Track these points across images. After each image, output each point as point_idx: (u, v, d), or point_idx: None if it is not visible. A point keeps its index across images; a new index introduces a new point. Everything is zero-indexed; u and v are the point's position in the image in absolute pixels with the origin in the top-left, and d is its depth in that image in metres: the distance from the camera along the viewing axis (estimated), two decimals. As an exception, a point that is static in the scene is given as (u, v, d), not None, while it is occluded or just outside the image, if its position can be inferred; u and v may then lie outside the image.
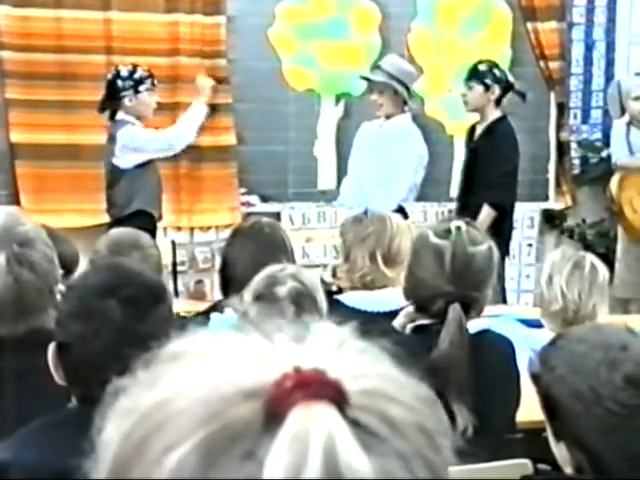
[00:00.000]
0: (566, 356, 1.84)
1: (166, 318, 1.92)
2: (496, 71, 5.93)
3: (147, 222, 5.34)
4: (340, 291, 3.88)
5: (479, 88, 5.87)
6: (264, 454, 0.57)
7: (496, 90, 5.85)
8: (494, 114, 5.88)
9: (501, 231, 5.45)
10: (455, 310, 2.54)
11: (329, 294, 3.86)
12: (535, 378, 1.88)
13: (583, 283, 3.43)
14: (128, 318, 1.85)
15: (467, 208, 5.68)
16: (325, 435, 0.57)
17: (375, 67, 6.07)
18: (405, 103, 5.89)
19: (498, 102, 5.89)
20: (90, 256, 3.49)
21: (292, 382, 0.59)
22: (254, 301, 2.78)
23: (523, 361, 3.03)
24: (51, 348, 1.91)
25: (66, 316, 1.92)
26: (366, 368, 0.63)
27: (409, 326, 2.67)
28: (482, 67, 5.95)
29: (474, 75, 5.92)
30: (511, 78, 6.00)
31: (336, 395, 0.59)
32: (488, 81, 5.86)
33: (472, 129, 6.06)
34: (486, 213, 5.64)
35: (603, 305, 3.48)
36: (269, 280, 2.79)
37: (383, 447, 0.60)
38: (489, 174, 5.74)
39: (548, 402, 1.84)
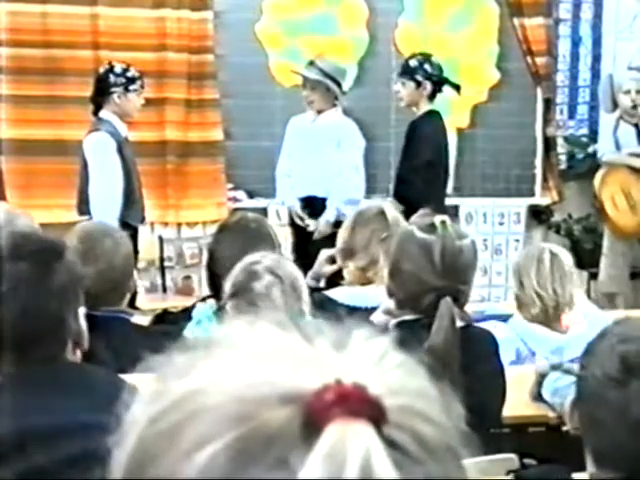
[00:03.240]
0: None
1: (71, 272, 1.98)
2: (427, 66, 5.80)
3: None
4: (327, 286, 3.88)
5: (411, 84, 5.78)
6: (298, 465, 0.56)
7: (427, 86, 5.75)
8: (424, 109, 5.80)
9: None
10: (447, 304, 2.52)
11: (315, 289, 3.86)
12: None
13: (553, 276, 3.48)
14: (38, 274, 1.92)
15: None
16: (362, 454, 0.56)
17: (309, 63, 6.09)
18: (336, 98, 5.98)
19: (432, 96, 5.79)
20: None
21: (333, 395, 0.58)
22: (232, 297, 2.78)
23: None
24: None
25: None
26: (403, 383, 0.63)
27: (392, 322, 2.65)
28: (413, 63, 5.84)
29: (405, 71, 5.84)
30: (444, 71, 5.87)
31: (375, 413, 0.58)
32: (419, 77, 5.75)
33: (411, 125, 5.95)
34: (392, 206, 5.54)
35: (578, 290, 3.54)
36: (247, 275, 2.80)
37: (415, 469, 0.59)
38: (399, 169, 5.86)
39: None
